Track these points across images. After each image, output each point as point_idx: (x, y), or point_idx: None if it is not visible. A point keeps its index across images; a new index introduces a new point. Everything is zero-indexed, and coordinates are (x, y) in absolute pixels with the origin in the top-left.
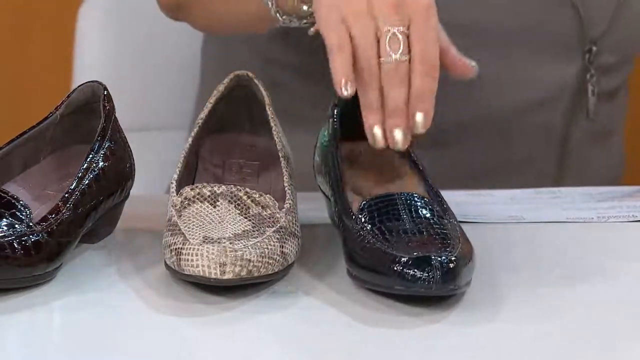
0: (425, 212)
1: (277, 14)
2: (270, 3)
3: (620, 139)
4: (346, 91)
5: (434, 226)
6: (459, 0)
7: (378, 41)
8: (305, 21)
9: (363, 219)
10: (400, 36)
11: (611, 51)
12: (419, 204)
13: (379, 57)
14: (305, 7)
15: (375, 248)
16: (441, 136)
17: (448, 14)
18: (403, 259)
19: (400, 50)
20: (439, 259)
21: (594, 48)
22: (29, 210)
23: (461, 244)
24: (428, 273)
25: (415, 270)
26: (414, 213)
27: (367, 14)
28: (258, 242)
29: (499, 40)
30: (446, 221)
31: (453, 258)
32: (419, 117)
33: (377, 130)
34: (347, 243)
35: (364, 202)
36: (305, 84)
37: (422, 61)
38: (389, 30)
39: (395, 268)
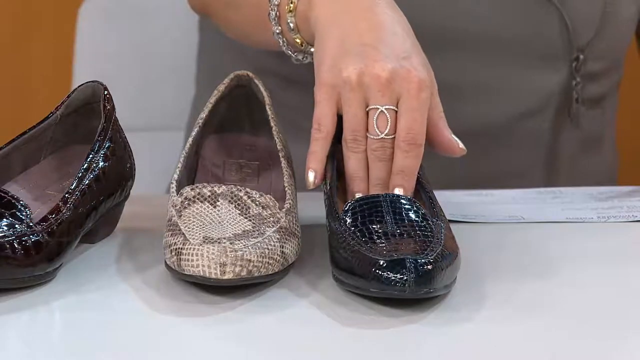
0: (410, 214)
1: (289, 52)
2: (281, 41)
3: (611, 143)
4: (311, 184)
5: (416, 228)
6: (447, 9)
7: (367, 114)
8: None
9: (348, 221)
10: (388, 114)
11: (597, 58)
12: (404, 206)
13: (367, 130)
14: (312, 50)
15: (354, 250)
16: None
17: (435, 23)
18: (379, 261)
19: (387, 130)
20: (414, 261)
21: (581, 56)
22: (29, 210)
23: (443, 246)
24: (402, 275)
25: (389, 272)
26: (397, 215)
27: (357, 85)
28: (258, 242)
29: (486, 49)
30: (431, 223)
31: (428, 261)
32: (397, 192)
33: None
34: (331, 244)
35: (349, 203)
36: (296, 94)
37: (406, 139)
38: (378, 108)
39: (371, 270)
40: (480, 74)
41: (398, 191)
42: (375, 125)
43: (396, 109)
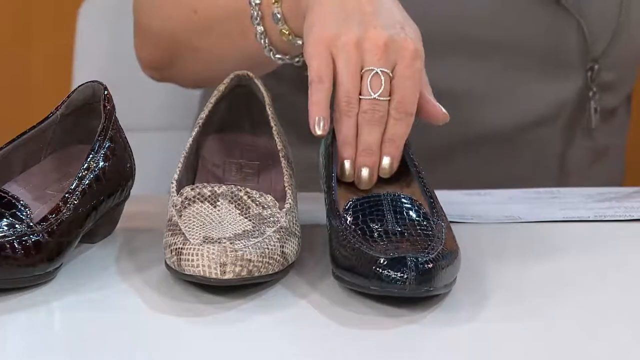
0: (410, 213)
1: (271, 53)
2: (263, 41)
3: (619, 155)
4: (319, 130)
5: (417, 227)
6: (464, 16)
7: (361, 77)
8: (297, 59)
9: (348, 219)
10: (382, 77)
11: (611, 68)
12: (405, 204)
13: (360, 93)
14: (299, 42)
15: (354, 248)
16: (439, 152)
17: (451, 29)
18: (380, 259)
19: (380, 91)
20: (415, 260)
21: (596, 66)
22: (29, 210)
23: (443, 245)
24: (402, 274)
25: (390, 270)
26: (398, 214)
27: (355, 47)
28: (258, 242)
29: (502, 57)
30: (432, 222)
31: (429, 259)
32: (386, 161)
33: (348, 165)
34: (331, 242)
35: (350, 201)
36: (304, 96)
37: (399, 106)
38: (373, 69)
39: (371, 268)
40: (493, 80)
41: (386, 161)
42: (368, 86)
43: (390, 74)
